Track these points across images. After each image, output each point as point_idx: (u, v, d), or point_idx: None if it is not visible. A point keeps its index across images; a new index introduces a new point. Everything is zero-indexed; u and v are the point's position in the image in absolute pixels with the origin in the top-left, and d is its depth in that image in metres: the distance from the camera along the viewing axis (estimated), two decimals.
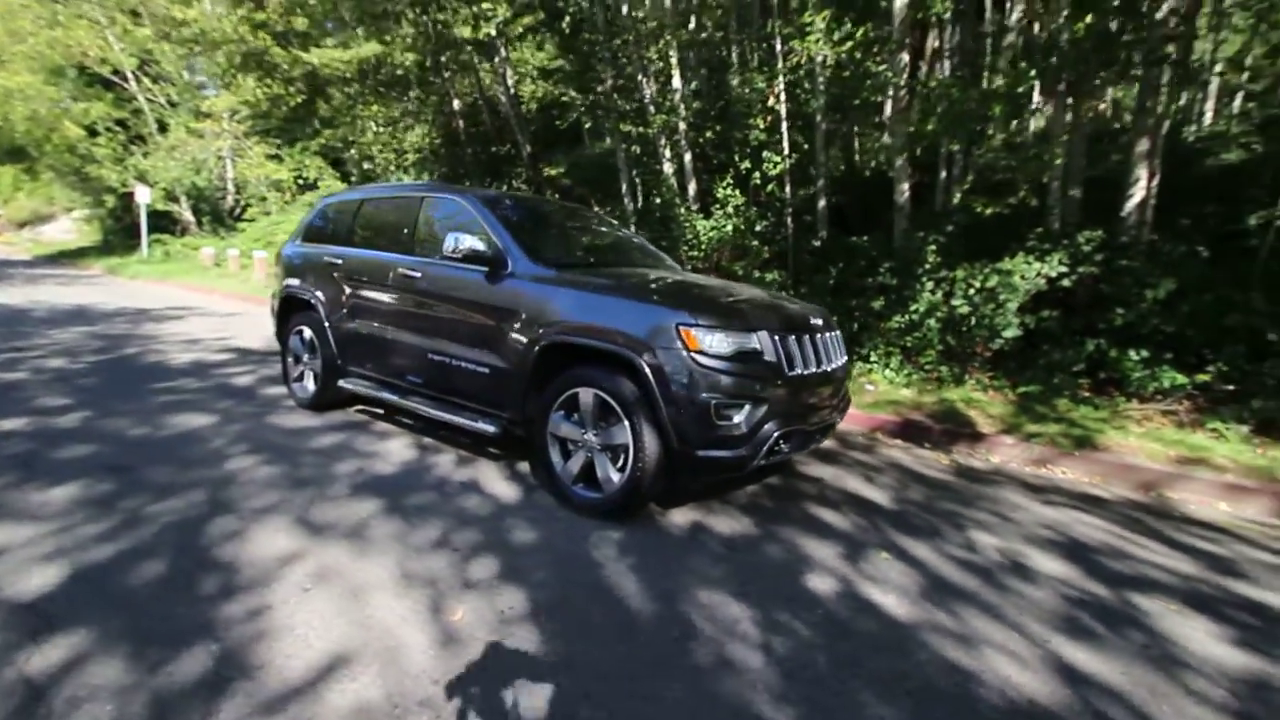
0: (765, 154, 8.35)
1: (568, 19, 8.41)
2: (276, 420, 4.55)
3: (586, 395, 3.14)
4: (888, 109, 7.14)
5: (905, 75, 6.47)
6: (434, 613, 2.27)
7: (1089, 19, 4.89)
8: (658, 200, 8.77)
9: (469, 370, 3.66)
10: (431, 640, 2.11)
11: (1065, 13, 5.32)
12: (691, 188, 8.75)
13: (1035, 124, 9.27)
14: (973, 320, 6.24)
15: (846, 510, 3.47)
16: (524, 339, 3.35)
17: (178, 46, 16.32)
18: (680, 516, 3.24)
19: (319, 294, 4.63)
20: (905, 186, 7.17)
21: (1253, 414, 4.78)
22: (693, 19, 8.09)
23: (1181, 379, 5.18)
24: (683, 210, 8.00)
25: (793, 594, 2.55)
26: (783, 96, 7.21)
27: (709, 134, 8.48)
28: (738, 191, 8.63)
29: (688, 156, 8.57)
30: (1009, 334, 6.06)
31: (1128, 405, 5.32)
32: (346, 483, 3.44)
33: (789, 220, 8.51)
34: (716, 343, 2.89)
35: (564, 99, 11.70)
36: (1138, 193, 6.14)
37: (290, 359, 5.02)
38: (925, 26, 8.64)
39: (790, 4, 7.37)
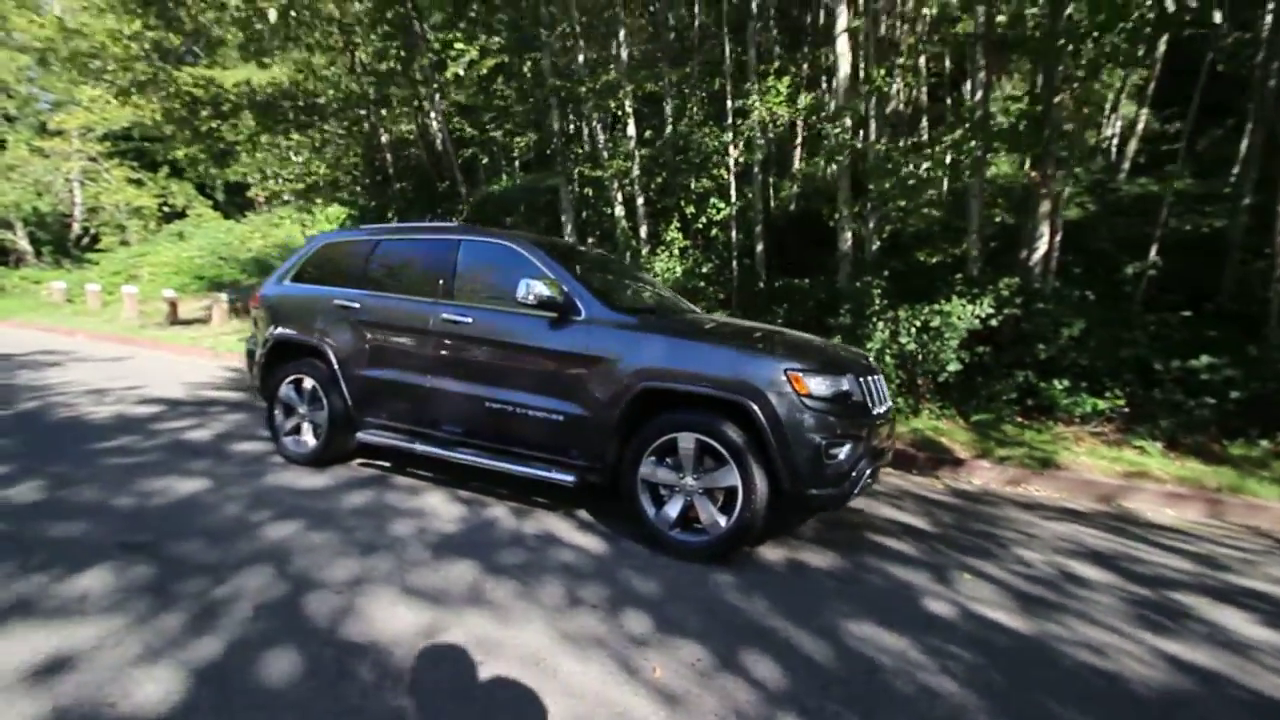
0: (712, 200, 8.85)
1: (529, 65, 8.47)
2: (278, 480, 4.11)
3: (687, 440, 3.19)
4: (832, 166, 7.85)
5: (850, 137, 7.20)
6: (631, 672, 2.21)
7: (1024, 104, 5.82)
8: (611, 242, 8.94)
9: (538, 418, 3.57)
10: (653, 700, 2.06)
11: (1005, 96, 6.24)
12: (643, 230, 9.03)
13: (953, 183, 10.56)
14: (920, 356, 6.96)
15: (903, 536, 3.76)
16: (611, 385, 3.35)
17: (18, 55, 14.26)
18: (770, 554, 3.36)
19: (329, 340, 4.28)
20: (849, 235, 7.90)
21: (1162, 432, 5.76)
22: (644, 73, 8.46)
23: (1101, 404, 6.11)
24: (644, 252, 8.23)
25: (924, 619, 2.75)
26: (741, 149, 7.72)
27: (659, 179, 8.84)
28: (681, 235, 9.04)
29: (640, 200, 8.85)
30: (952, 368, 6.81)
31: (1058, 429, 6.17)
32: (418, 545, 3.21)
33: (734, 263, 9.03)
34: (820, 386, 3.09)
35: (489, 136, 11.64)
36: (1041, 245, 7.23)
37: (278, 411, 4.56)
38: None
39: (747, 69, 7.94)
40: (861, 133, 7.29)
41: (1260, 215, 7.45)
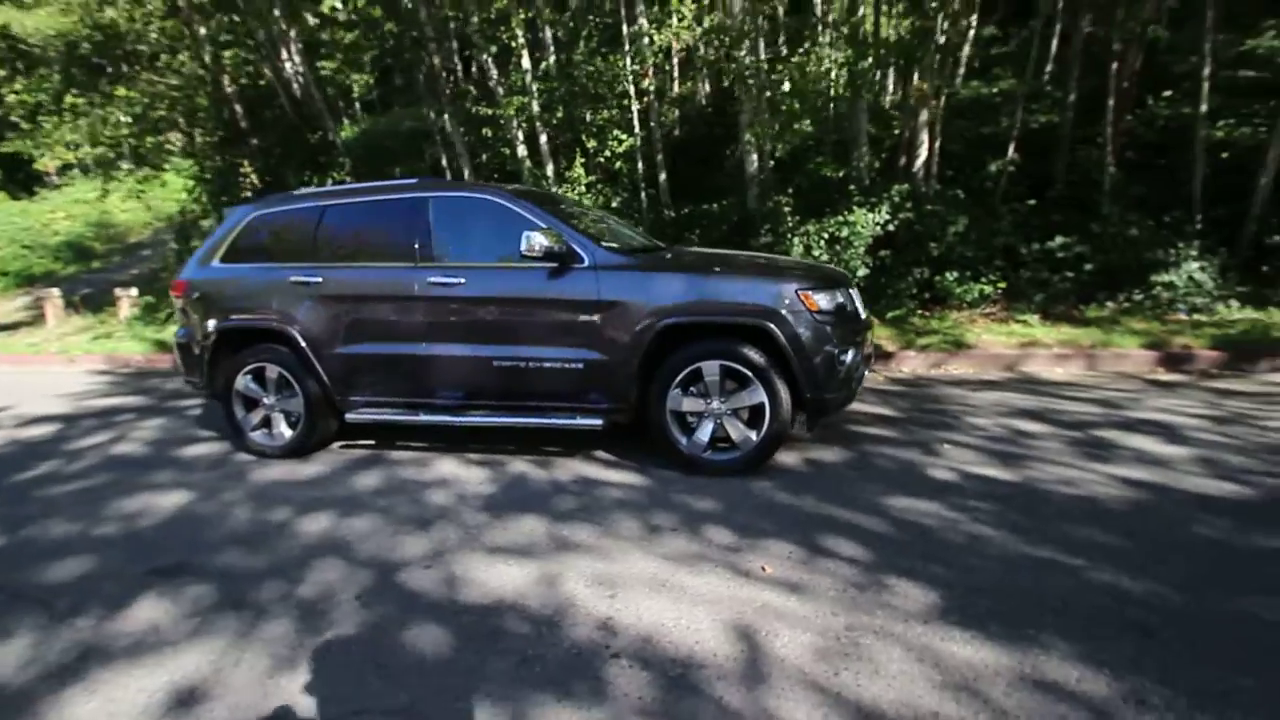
0: (615, 133, 8.78)
1: None
2: (267, 476, 3.86)
3: (711, 368, 3.41)
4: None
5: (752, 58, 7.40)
6: (744, 574, 2.48)
7: (912, 20, 6.30)
8: (515, 183, 8.66)
9: (554, 369, 3.62)
10: (779, 590, 2.35)
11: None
12: (549, 169, 8.81)
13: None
14: (832, 265, 7.58)
15: (878, 424, 4.30)
16: (630, 327, 3.46)
17: None
18: (786, 459, 3.73)
19: (292, 322, 3.97)
20: (755, 158, 8.23)
21: (1035, 306, 6.82)
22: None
23: (986, 289, 7.07)
24: (561, 192, 8.08)
25: (937, 485, 3.25)
26: (652, 76, 7.67)
27: (558, 114, 8.59)
28: (584, 170, 8.95)
29: (543, 138, 8.59)
30: (861, 273, 7.51)
31: (954, 315, 7.10)
32: (470, 510, 3.23)
33: (642, 194, 9.11)
34: (825, 301, 3.40)
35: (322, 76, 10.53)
36: (923, 153, 7.99)
37: (238, 406, 4.21)
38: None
39: None
40: (747, 49, 7.49)
41: (1081, 109, 8.65)
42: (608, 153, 8.82)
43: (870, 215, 7.55)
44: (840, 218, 7.67)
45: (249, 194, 9.34)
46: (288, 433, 4.16)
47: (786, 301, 3.33)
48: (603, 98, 8.76)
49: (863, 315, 3.77)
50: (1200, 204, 7.43)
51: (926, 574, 2.42)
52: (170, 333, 9.00)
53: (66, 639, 2.31)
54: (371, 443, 4.40)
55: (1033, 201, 8.20)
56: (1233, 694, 1.77)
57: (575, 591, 2.43)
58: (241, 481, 3.81)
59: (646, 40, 7.27)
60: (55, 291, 9.96)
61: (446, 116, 8.54)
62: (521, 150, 8.72)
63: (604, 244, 3.69)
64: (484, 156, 9.02)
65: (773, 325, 3.31)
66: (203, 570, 2.75)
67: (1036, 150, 9.29)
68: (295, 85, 9.25)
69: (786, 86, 7.12)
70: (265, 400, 4.17)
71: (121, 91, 8.31)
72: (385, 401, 4.00)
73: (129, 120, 8.56)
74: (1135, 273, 6.97)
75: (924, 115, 7.76)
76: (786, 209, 7.94)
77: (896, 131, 8.10)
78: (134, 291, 9.68)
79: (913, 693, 1.82)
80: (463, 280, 3.71)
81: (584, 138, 9.00)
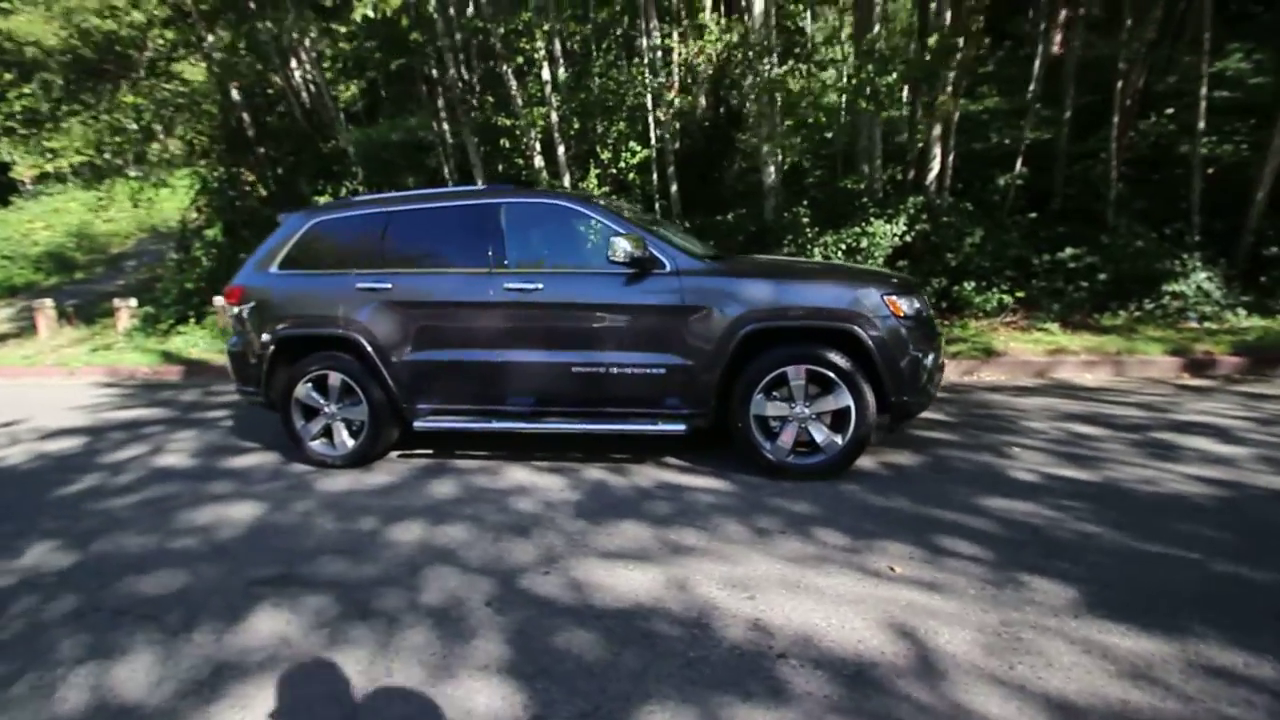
0: (630, 144, 8.85)
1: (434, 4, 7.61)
2: (334, 486, 3.78)
3: (797, 372, 3.44)
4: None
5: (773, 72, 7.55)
6: (874, 574, 2.50)
7: (935, 38, 6.50)
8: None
9: (635, 375, 3.62)
10: (917, 589, 2.37)
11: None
12: (566, 180, 8.82)
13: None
14: None
15: (937, 428, 4.37)
16: (715, 331, 3.48)
17: None
18: (862, 463, 3.76)
19: (359, 329, 3.90)
20: (771, 170, 8.36)
21: (1053, 315, 7.02)
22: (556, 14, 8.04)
23: (1006, 298, 7.26)
24: None
25: (1025, 486, 3.31)
26: (678, 90, 7.75)
27: (575, 126, 8.63)
28: (597, 182, 9.00)
29: (560, 149, 8.61)
30: None
31: (976, 323, 7.26)
32: (564, 517, 3.20)
33: (656, 206, 9.18)
34: (907, 306, 3.47)
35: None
36: (935, 165, 8.21)
37: (296, 415, 4.11)
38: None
39: (662, 8, 7.87)
40: (769, 63, 7.64)
41: (1076, 124, 8.96)
42: (621, 164, 8.89)
43: (888, 226, 7.72)
44: (858, 229, 7.83)
45: (255, 203, 9.17)
46: (350, 442, 4.07)
47: (872, 306, 3.38)
48: (618, 109, 8.84)
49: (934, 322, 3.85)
50: (1199, 217, 7.75)
51: (1055, 570, 2.47)
52: (175, 344, 8.75)
53: (192, 655, 2.22)
54: (429, 452, 4.33)
55: (1034, 214, 8.47)
56: None
57: (711, 594, 2.42)
58: (309, 491, 3.72)
59: (675, 54, 7.36)
60: (48, 302, 9.60)
61: (447, 126, 8.49)
62: (539, 161, 8.72)
63: (686, 251, 3.71)
64: (500, 167, 8.99)
65: (859, 329, 3.36)
66: (311, 581, 2.68)
67: (1032, 165, 9.60)
68: (305, 94, 9.11)
69: (805, 100, 7.26)
70: (326, 409, 4.08)
71: (129, 98, 8.08)
72: (456, 409, 3.94)
73: (135, 127, 8.33)
74: (1145, 283, 7.22)
75: (937, 129, 7.98)
76: (805, 220, 8.07)
77: (920, 144, 8.27)
78: (133, 302, 9.38)
79: (1093, 683, 1.86)
80: (540, 286, 3.70)
81: (598, 149, 9.05)
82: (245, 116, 8.86)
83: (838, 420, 3.48)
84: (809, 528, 2.94)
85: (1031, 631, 2.10)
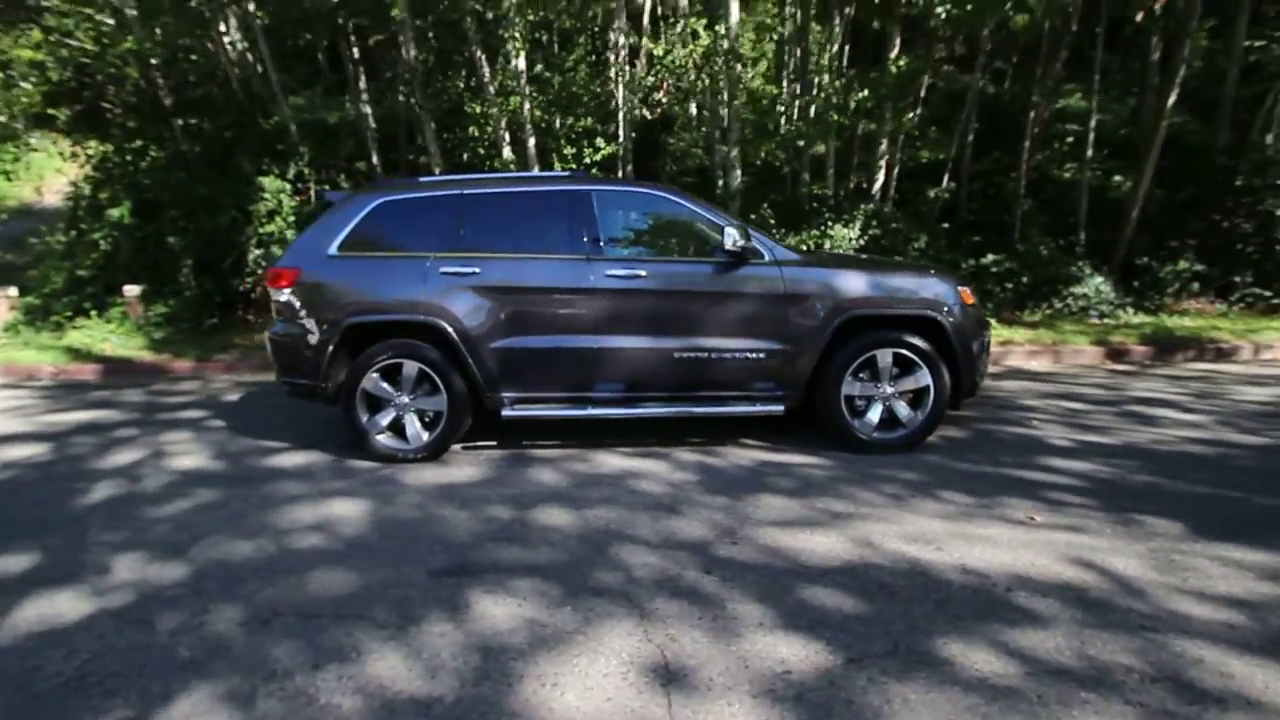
0: (597, 141, 8.94)
1: None
2: (422, 480, 3.60)
3: (885, 355, 3.80)
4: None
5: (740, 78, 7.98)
6: (1018, 524, 2.88)
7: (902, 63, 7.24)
8: None
9: (735, 359, 3.80)
10: (1070, 532, 2.78)
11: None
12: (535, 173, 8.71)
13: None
14: None
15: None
16: (813, 318, 3.75)
17: None
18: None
19: (444, 314, 3.73)
20: (738, 173, 8.80)
21: (989, 312, 8.04)
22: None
23: None
24: None
25: (1069, 451, 3.88)
26: (667, 88, 7.92)
27: (544, 119, 8.57)
28: None
29: (531, 142, 8.49)
30: None
31: None
32: (697, 494, 3.31)
33: None
34: (970, 296, 3.94)
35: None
36: (880, 176, 9.07)
37: (361, 408, 3.85)
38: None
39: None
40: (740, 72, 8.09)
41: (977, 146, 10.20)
42: (586, 160, 8.94)
43: (846, 230, 8.43)
44: (819, 231, 8.48)
45: (184, 180, 8.16)
46: (425, 434, 3.87)
47: (949, 295, 3.82)
48: (585, 103, 8.88)
49: None
50: (1085, 231, 9.19)
51: (1152, 510, 2.98)
52: (77, 339, 7.59)
53: (447, 645, 2.11)
54: (493, 443, 4.21)
55: (945, 224, 9.60)
56: None
57: (902, 548, 2.67)
58: (399, 485, 3.51)
59: (660, 54, 7.54)
60: None
61: (369, 109, 8.01)
62: (507, 152, 8.55)
63: (775, 242, 3.94)
64: (464, 156, 8.69)
65: (940, 316, 3.78)
66: (500, 568, 2.60)
67: (935, 181, 10.67)
68: (236, 65, 8.15)
69: (780, 108, 7.77)
70: (398, 400, 3.85)
71: (25, 54, 6.78)
72: (545, 396, 3.89)
73: (33, 86, 7.01)
74: (1053, 285, 8.48)
75: (883, 144, 8.83)
76: (771, 222, 8.60)
77: (880, 158, 9.05)
78: (13, 291, 7.92)
79: (1247, 585, 2.33)
80: (644, 273, 3.77)
81: (561, 142, 9.04)
82: (159, 80, 7.78)
83: (916, 398, 3.88)
84: (930, 490, 3.29)
85: (1177, 555, 2.57)
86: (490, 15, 7.40)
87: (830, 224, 8.48)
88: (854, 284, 3.81)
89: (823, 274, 3.83)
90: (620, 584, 2.45)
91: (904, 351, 3.79)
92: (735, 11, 7.86)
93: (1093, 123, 8.91)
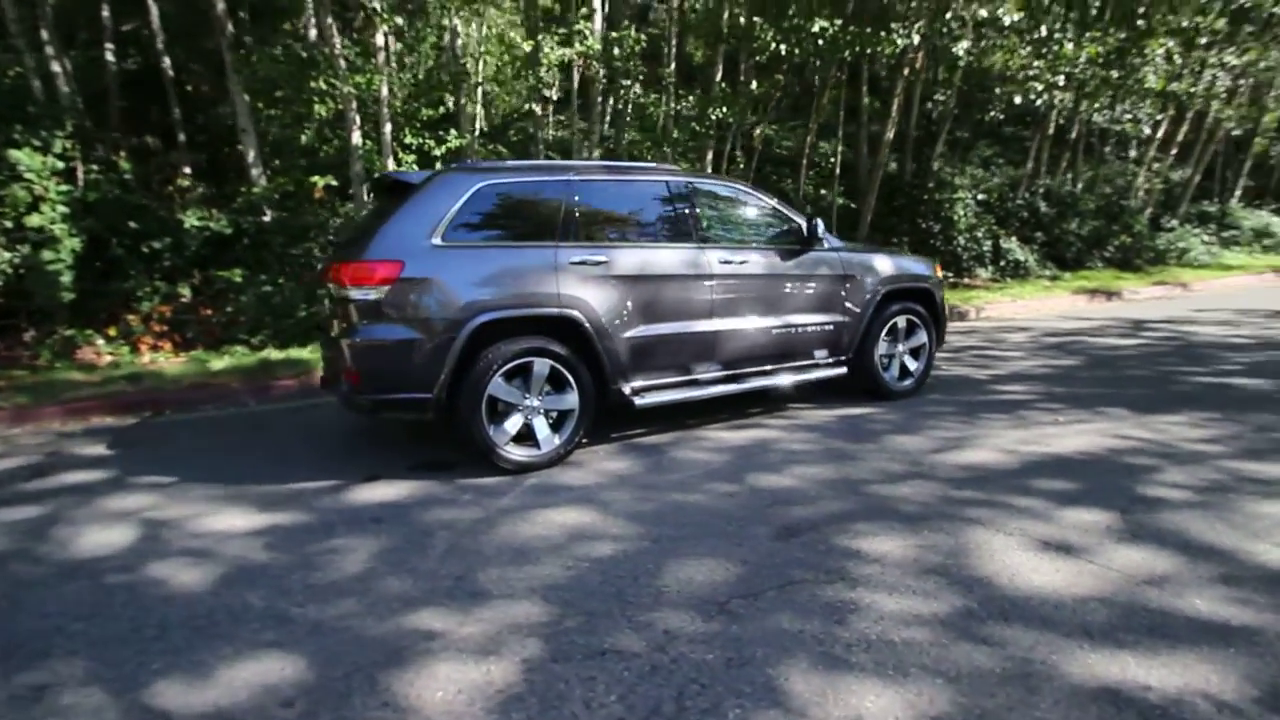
0: (453, 130, 8.45)
1: None
2: (566, 480, 3.40)
3: (902, 320, 4.77)
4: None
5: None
6: (1040, 426, 4.08)
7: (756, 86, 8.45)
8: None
9: (815, 331, 4.38)
10: (1129, 424, 4.05)
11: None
12: (390, 165, 7.80)
13: None
14: None
15: None
16: (864, 293, 4.52)
17: None
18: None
19: (579, 307, 3.51)
20: None
21: None
22: None
23: None
24: None
25: (1020, 372, 5.39)
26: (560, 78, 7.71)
27: (402, 107, 7.76)
28: (416, 168, 8.37)
29: (387, 128, 7.58)
30: None
31: None
32: (882, 464, 3.77)
33: None
34: (940, 269, 5.17)
35: None
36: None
37: (483, 416, 3.39)
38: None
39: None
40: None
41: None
42: (443, 149, 8.38)
43: None
44: None
45: None
46: (556, 438, 3.57)
47: (934, 272, 4.99)
48: (439, 91, 8.31)
49: None
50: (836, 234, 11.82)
51: (1168, 407, 4.48)
52: None
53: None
54: (584, 441, 4.04)
55: None
56: None
57: (1018, 448, 3.62)
58: (555, 493, 3.25)
59: (551, 51, 7.41)
60: None
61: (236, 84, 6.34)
62: (356, 137, 7.51)
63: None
64: (302, 139, 7.30)
65: (931, 288, 4.91)
66: (845, 528, 2.77)
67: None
68: None
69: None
70: (524, 403, 3.49)
71: None
72: (663, 382, 3.92)
73: None
74: None
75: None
76: None
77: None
78: None
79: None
80: (746, 259, 4.09)
81: (407, 131, 8.28)
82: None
83: (916, 352, 4.95)
84: (976, 417, 4.34)
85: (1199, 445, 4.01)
86: None
87: None
88: (884, 265, 4.71)
89: (865, 257, 4.64)
90: (937, 545, 2.89)
91: (913, 317, 4.83)
92: (599, 19, 8.21)
93: (838, 159, 11.54)
